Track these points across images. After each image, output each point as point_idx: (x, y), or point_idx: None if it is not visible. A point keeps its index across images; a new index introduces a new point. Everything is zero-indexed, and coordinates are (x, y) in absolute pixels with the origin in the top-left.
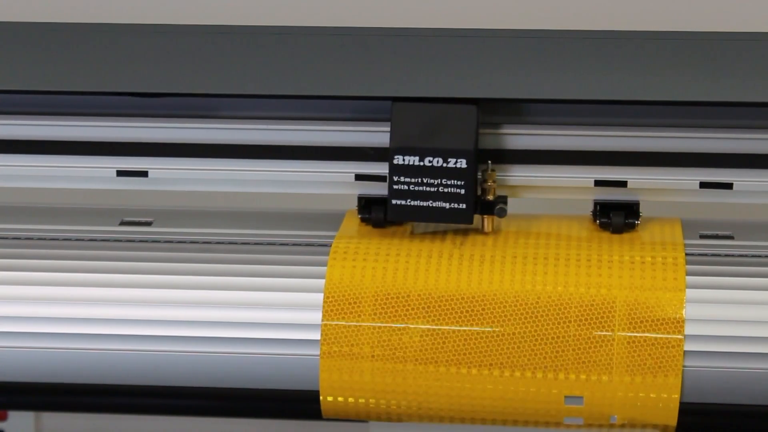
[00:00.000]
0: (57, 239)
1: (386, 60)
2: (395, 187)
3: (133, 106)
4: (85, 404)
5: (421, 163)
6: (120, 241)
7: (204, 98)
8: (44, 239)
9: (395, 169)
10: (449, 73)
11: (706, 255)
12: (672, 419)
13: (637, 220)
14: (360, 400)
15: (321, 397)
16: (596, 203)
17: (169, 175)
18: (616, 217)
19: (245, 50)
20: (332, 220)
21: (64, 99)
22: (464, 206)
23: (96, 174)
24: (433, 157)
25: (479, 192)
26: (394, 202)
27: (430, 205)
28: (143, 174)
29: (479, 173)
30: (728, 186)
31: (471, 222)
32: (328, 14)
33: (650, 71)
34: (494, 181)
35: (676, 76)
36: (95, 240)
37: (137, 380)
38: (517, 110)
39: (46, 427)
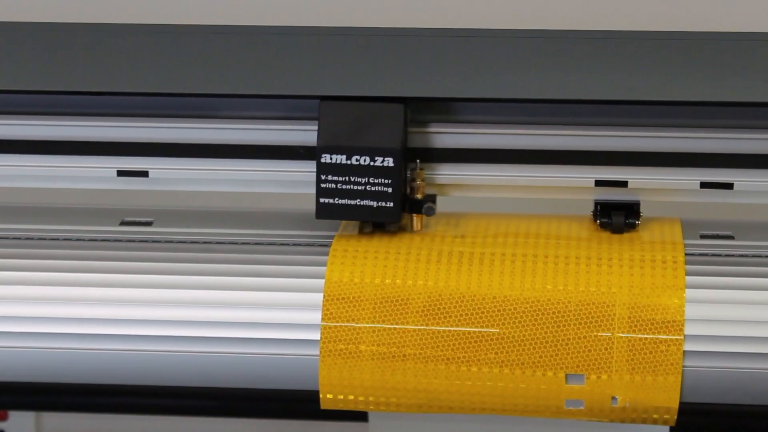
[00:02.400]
0: (57, 239)
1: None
2: (323, 185)
3: (133, 106)
4: (85, 404)
5: (348, 162)
6: (120, 241)
7: (204, 98)
8: (44, 239)
9: (322, 168)
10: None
11: (706, 255)
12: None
13: (638, 220)
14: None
15: (321, 397)
16: (597, 203)
17: (169, 175)
18: (617, 217)
19: (245, 50)
20: (332, 220)
21: (64, 99)
22: (391, 204)
23: (96, 174)
24: (360, 156)
25: (408, 190)
26: (321, 200)
27: (358, 203)
28: (143, 174)
29: (408, 172)
30: (728, 186)
31: (399, 220)
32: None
33: (648, 71)
34: (423, 180)
35: (676, 76)
36: (95, 240)
37: (137, 380)
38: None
39: (46, 427)
